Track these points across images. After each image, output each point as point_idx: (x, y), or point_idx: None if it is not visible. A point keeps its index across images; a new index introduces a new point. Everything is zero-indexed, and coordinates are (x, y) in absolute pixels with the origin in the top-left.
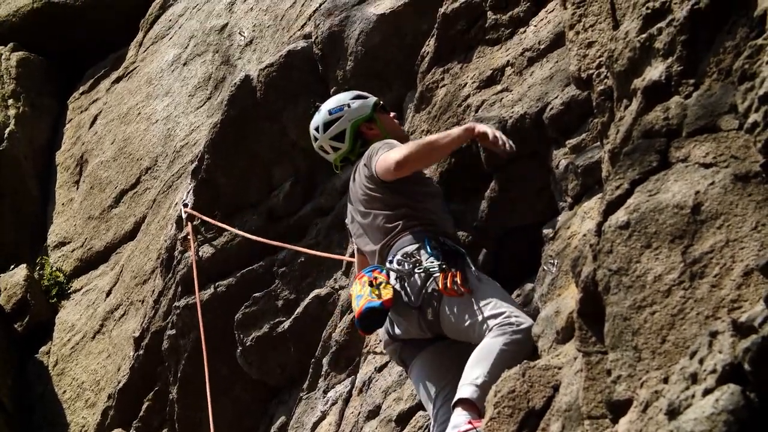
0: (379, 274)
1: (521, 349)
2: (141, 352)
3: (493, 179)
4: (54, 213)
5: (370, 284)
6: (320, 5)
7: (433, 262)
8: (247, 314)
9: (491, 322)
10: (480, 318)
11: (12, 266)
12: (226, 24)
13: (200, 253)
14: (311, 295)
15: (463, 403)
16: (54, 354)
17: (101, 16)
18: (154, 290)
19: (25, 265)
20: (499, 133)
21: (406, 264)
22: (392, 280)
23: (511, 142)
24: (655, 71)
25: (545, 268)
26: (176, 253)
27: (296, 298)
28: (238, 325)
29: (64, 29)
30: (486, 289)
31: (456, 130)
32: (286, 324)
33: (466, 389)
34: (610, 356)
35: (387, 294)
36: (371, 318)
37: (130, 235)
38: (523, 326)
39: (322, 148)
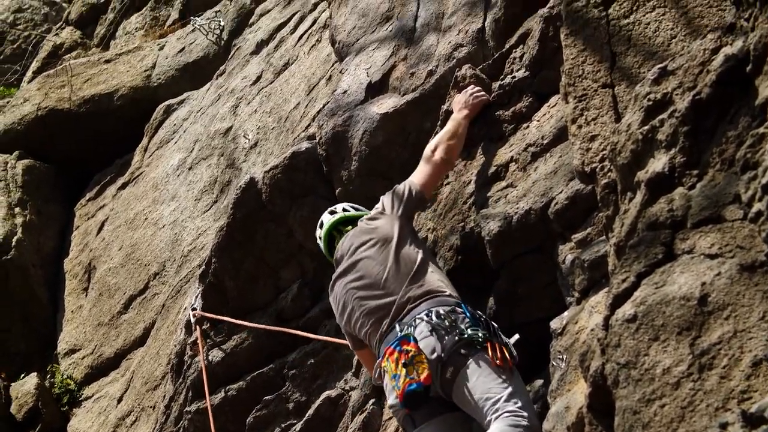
0: (408, 345)
1: None
2: None
3: (500, 276)
4: (64, 320)
5: (405, 364)
6: (323, 106)
7: (476, 330)
8: (258, 417)
9: (504, 407)
10: (495, 398)
11: (23, 375)
12: (231, 127)
13: (210, 358)
14: (322, 396)
15: None
16: None
17: (105, 122)
18: (165, 396)
19: (35, 374)
20: (474, 95)
21: (446, 320)
22: (425, 333)
23: (478, 91)
24: (658, 163)
25: (554, 363)
26: (186, 357)
27: (307, 400)
28: (249, 428)
29: (68, 136)
30: (512, 374)
31: (459, 127)
32: (298, 426)
33: None
34: None
35: (424, 371)
36: (415, 398)
37: (140, 341)
38: (527, 425)
39: (344, 210)
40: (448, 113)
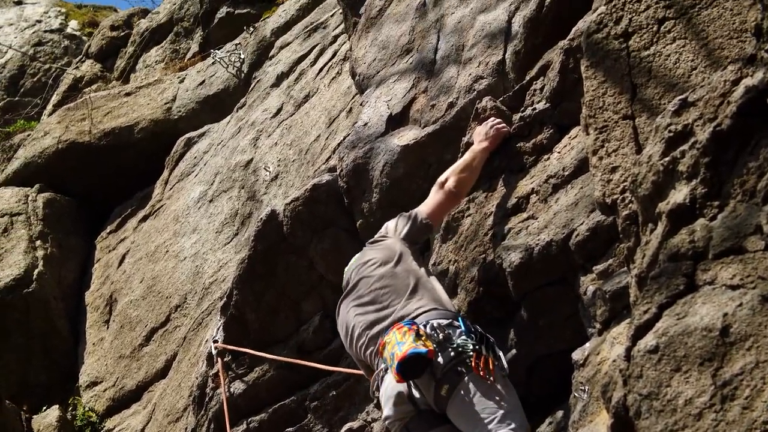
0: (418, 329)
1: None
2: None
3: (522, 307)
4: (85, 353)
5: (416, 333)
6: (344, 138)
7: (466, 341)
8: None
9: (498, 429)
10: (489, 419)
11: (44, 407)
12: (251, 159)
13: (232, 390)
14: (344, 428)
15: None
16: None
17: (126, 155)
18: (186, 428)
19: (57, 406)
20: (494, 126)
21: (440, 334)
22: None
23: (499, 123)
24: (679, 194)
25: (576, 394)
26: (208, 390)
27: (329, 431)
28: None
29: (89, 169)
30: (507, 392)
31: (475, 159)
32: None
33: None
34: None
35: (431, 345)
36: (414, 364)
37: (162, 373)
38: None
39: None
40: (469, 145)
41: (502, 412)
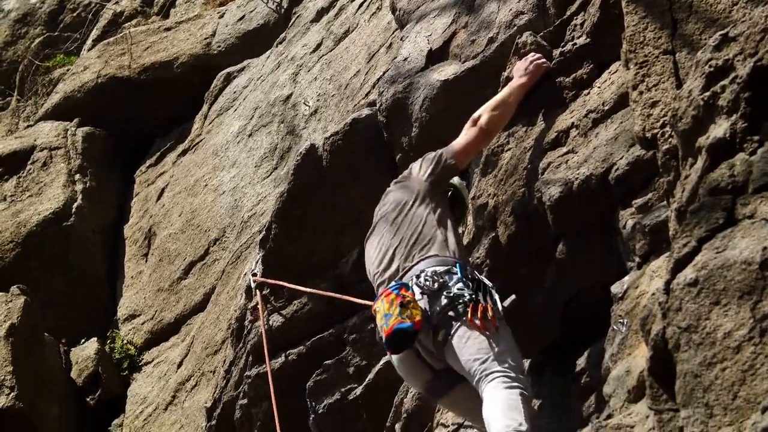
0: (406, 291)
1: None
2: (214, 422)
3: (561, 241)
4: (123, 286)
5: (401, 304)
6: (384, 73)
7: (462, 289)
8: (318, 382)
9: (492, 367)
10: (483, 358)
11: (83, 340)
12: (291, 94)
13: (270, 322)
14: (382, 361)
15: None
16: (127, 426)
17: (165, 89)
18: (225, 360)
19: (95, 339)
20: (534, 62)
21: (435, 283)
22: (417, 295)
23: (539, 58)
24: (719, 129)
25: (615, 327)
26: (246, 322)
27: (367, 364)
28: (309, 392)
29: (128, 104)
30: (503, 334)
31: (511, 96)
32: (358, 391)
33: None
34: (682, 413)
35: (417, 315)
36: (401, 338)
37: (200, 307)
38: (519, 385)
39: None
40: (509, 80)
41: (496, 350)
